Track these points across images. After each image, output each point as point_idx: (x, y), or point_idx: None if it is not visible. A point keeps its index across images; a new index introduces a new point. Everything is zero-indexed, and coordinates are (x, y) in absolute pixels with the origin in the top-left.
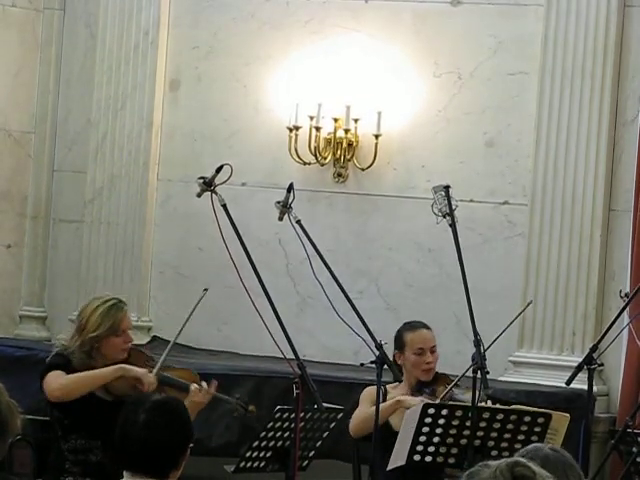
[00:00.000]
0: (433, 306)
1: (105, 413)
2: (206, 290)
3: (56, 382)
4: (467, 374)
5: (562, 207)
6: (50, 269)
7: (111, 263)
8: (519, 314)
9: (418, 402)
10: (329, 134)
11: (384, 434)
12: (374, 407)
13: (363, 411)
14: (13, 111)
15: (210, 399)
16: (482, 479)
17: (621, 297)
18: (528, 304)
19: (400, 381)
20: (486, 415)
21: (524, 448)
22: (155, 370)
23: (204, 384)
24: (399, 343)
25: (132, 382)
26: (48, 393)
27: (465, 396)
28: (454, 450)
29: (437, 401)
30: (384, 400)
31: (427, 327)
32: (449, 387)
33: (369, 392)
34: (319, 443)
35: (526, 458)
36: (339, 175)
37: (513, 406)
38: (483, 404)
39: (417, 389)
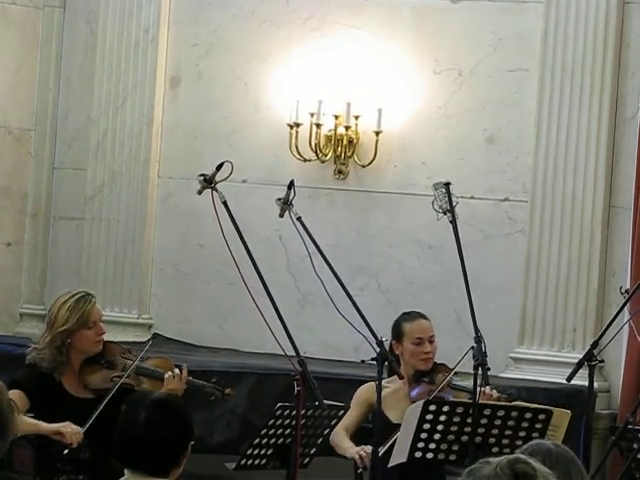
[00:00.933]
0: (433, 302)
1: (87, 411)
2: (154, 335)
3: None
4: (469, 371)
5: (562, 204)
6: (50, 267)
7: (111, 260)
8: (459, 361)
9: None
10: (329, 131)
11: (383, 428)
12: (346, 444)
13: (341, 435)
14: (13, 108)
15: (186, 385)
16: (483, 476)
17: (621, 294)
18: (464, 354)
19: (401, 377)
20: (487, 412)
21: (527, 444)
22: (87, 425)
23: (177, 370)
24: (397, 333)
25: (106, 375)
26: None
27: (464, 383)
28: (455, 447)
29: (436, 388)
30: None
31: (425, 317)
32: (448, 375)
33: (361, 393)
34: (320, 440)
35: (526, 453)
36: (340, 172)
37: (514, 402)
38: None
39: (416, 379)
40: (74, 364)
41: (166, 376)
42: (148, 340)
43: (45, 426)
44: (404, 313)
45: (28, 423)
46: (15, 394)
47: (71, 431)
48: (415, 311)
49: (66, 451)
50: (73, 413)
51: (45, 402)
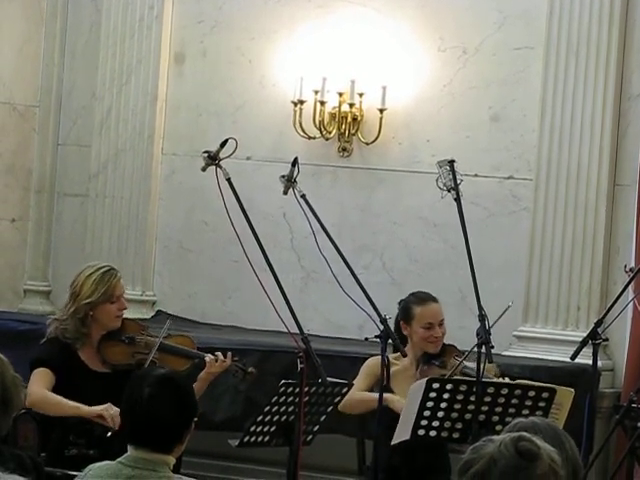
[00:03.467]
0: (438, 281)
1: (105, 385)
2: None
3: (35, 391)
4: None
5: (567, 182)
6: (54, 243)
7: (115, 237)
8: (499, 317)
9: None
10: (334, 108)
11: (390, 412)
12: (363, 393)
13: (357, 393)
14: (18, 85)
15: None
16: (486, 453)
17: (626, 272)
18: (508, 307)
19: (404, 355)
20: (490, 390)
21: (510, 424)
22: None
23: (220, 354)
24: (406, 315)
25: (128, 351)
26: (26, 394)
27: (474, 369)
28: (458, 425)
29: (448, 373)
30: (387, 373)
31: (435, 300)
32: (460, 360)
33: (370, 365)
34: (323, 418)
35: (514, 430)
36: (344, 149)
37: (517, 381)
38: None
39: (425, 360)
40: (93, 338)
41: (207, 359)
42: (168, 318)
43: (86, 409)
44: (414, 295)
45: (69, 406)
46: (42, 372)
47: (113, 413)
48: (425, 292)
49: (109, 434)
50: (91, 386)
51: (65, 374)
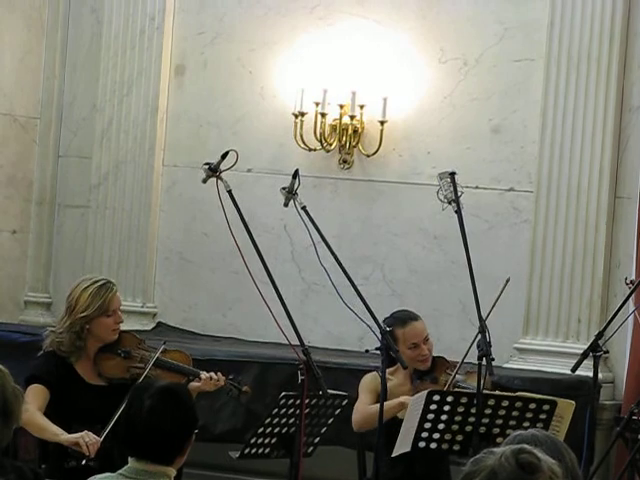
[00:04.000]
0: (438, 293)
1: (101, 398)
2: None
3: (27, 409)
4: (473, 361)
5: (568, 194)
6: (55, 255)
7: (116, 249)
8: (500, 293)
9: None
10: (334, 120)
11: (390, 424)
12: (377, 405)
13: (366, 407)
14: (19, 96)
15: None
16: (487, 466)
17: (626, 284)
18: (507, 281)
19: (405, 367)
20: (491, 402)
21: (509, 437)
22: (105, 433)
23: (212, 374)
24: (390, 337)
25: (124, 365)
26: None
27: (467, 383)
28: (459, 437)
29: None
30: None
31: (416, 318)
32: (452, 375)
33: (368, 380)
34: (324, 429)
35: (514, 442)
36: (344, 161)
37: (518, 393)
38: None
39: (417, 377)
40: (90, 351)
41: (203, 376)
42: (165, 341)
43: (64, 437)
44: (394, 317)
45: (49, 432)
46: (35, 390)
47: (89, 441)
48: (405, 312)
49: (84, 462)
50: (87, 400)
51: (61, 388)
